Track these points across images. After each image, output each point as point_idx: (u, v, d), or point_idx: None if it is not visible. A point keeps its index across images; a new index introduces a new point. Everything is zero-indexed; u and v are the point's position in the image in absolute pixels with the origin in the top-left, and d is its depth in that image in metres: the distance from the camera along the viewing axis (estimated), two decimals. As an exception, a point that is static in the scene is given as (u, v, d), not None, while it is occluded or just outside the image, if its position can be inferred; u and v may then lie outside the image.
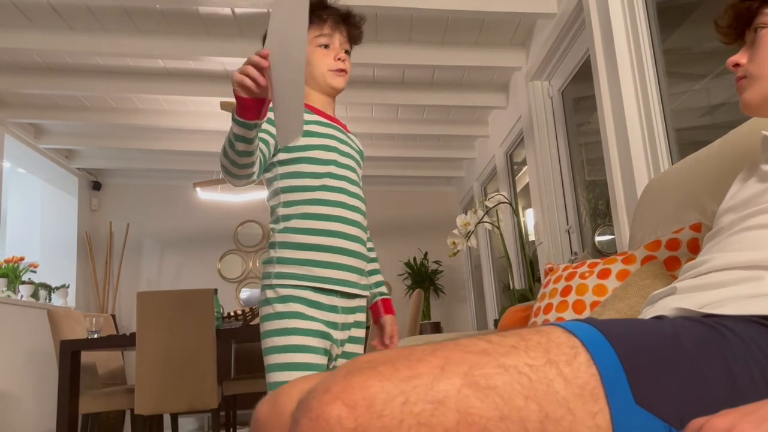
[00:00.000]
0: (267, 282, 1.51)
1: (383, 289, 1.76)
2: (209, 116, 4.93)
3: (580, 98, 3.63)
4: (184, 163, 5.95)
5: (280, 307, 1.46)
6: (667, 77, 2.51)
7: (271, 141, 1.50)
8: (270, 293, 1.49)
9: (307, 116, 1.57)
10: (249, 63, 1.19)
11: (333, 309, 1.51)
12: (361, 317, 1.62)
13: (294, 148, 1.54)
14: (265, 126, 1.49)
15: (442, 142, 5.74)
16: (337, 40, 1.61)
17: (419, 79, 4.47)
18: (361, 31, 1.67)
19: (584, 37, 3.13)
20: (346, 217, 1.55)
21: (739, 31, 1.07)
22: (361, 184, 1.66)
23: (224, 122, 4.90)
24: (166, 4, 3.26)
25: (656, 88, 2.50)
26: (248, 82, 1.18)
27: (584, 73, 3.34)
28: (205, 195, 4.79)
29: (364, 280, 1.61)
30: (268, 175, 1.58)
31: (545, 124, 3.85)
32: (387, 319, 1.72)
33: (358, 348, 1.62)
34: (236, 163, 1.35)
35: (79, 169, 6.00)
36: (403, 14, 3.47)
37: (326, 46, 1.60)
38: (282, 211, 1.54)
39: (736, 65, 1.04)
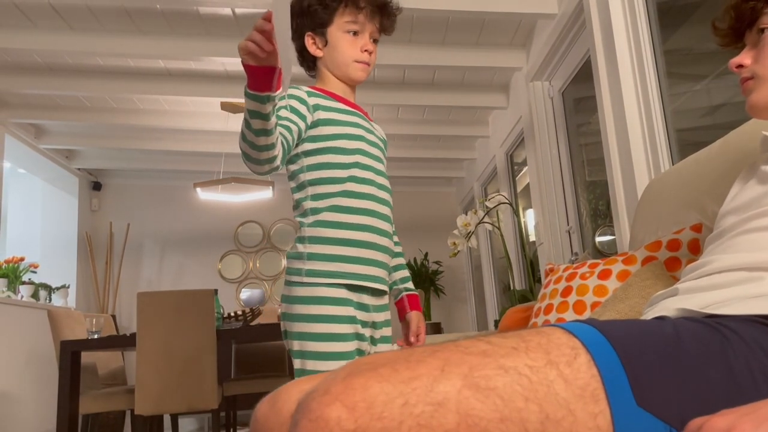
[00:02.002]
0: (297, 279, 1.44)
1: (409, 284, 1.69)
2: (210, 116, 4.93)
3: (580, 99, 3.63)
4: (185, 164, 5.96)
5: (315, 309, 1.41)
6: (667, 78, 2.51)
7: (294, 128, 1.42)
8: (303, 291, 1.43)
9: (330, 103, 1.52)
10: (254, 28, 1.12)
11: (365, 308, 1.48)
12: (389, 315, 1.58)
13: (320, 138, 1.48)
14: (285, 113, 1.42)
15: (443, 142, 5.74)
16: (369, 30, 1.53)
17: (420, 80, 4.47)
18: (395, 20, 1.59)
19: (585, 37, 3.13)
20: (376, 210, 1.50)
21: (740, 33, 1.05)
22: (386, 174, 1.60)
23: (225, 122, 4.90)
24: (166, 4, 3.26)
25: (657, 88, 2.50)
26: (252, 46, 1.11)
27: (585, 74, 3.34)
28: (205, 195, 4.79)
29: (387, 277, 1.56)
30: (293, 167, 1.51)
31: (546, 125, 3.85)
32: (413, 316, 1.64)
33: (389, 347, 1.57)
34: (255, 145, 1.27)
35: (79, 169, 6.00)
36: (403, 14, 3.44)
37: (356, 33, 1.52)
38: (310, 204, 1.48)
39: (740, 66, 1.02)
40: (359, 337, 1.46)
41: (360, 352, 1.46)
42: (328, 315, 1.41)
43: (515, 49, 4.02)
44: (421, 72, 4.32)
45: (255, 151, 1.29)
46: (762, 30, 1.00)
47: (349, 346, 1.42)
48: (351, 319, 1.43)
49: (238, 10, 3.48)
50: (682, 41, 2.58)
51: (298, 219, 1.51)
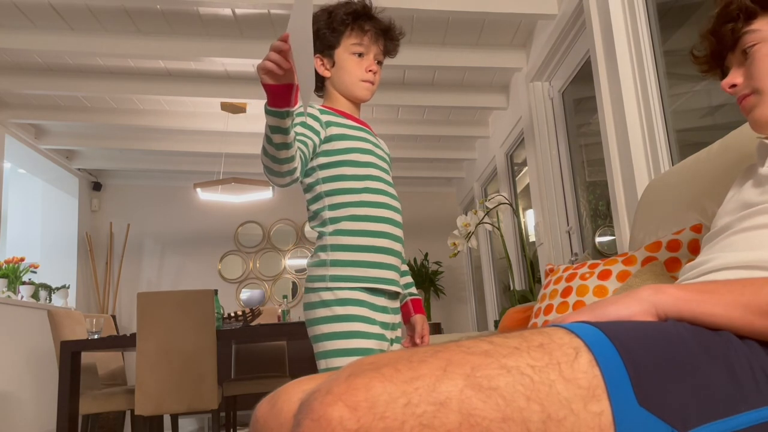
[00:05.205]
0: (321, 285, 1.52)
1: (413, 289, 1.79)
2: (210, 117, 4.94)
3: (580, 99, 3.63)
4: (185, 164, 5.96)
5: (339, 310, 1.49)
6: (667, 78, 2.52)
7: (310, 142, 1.51)
8: (327, 295, 1.51)
9: (339, 119, 1.61)
10: (271, 48, 1.19)
11: (384, 310, 1.55)
12: (400, 317, 1.67)
13: (333, 152, 1.57)
14: (300, 129, 1.51)
15: (443, 142, 5.75)
16: (373, 52, 1.64)
17: (420, 80, 4.47)
18: (398, 44, 1.70)
19: (585, 38, 3.13)
20: (391, 218, 1.60)
21: (721, 57, 1.05)
22: (394, 185, 1.69)
23: (225, 123, 4.91)
24: (166, 4, 3.26)
25: (657, 89, 2.50)
26: (270, 65, 1.19)
27: (585, 74, 3.34)
28: (205, 196, 4.79)
29: (399, 279, 1.65)
30: (309, 180, 1.60)
31: (546, 125, 3.85)
32: (417, 319, 1.74)
33: (399, 348, 1.64)
34: (277, 158, 1.36)
35: (79, 169, 6.00)
36: (403, 15, 3.48)
37: (361, 55, 1.63)
38: (328, 214, 1.56)
39: (733, 86, 1.02)
40: (380, 337, 1.52)
41: (382, 353, 1.50)
42: (350, 315, 1.49)
43: (515, 49, 4.02)
44: (421, 72, 4.32)
45: (277, 165, 1.38)
46: (746, 50, 1.00)
47: (371, 343, 1.49)
48: (370, 320, 1.51)
49: (238, 11, 3.49)
50: (682, 41, 2.58)
51: (318, 229, 1.59)
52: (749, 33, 0.99)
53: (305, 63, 1.14)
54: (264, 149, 1.36)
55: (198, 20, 3.58)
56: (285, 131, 1.30)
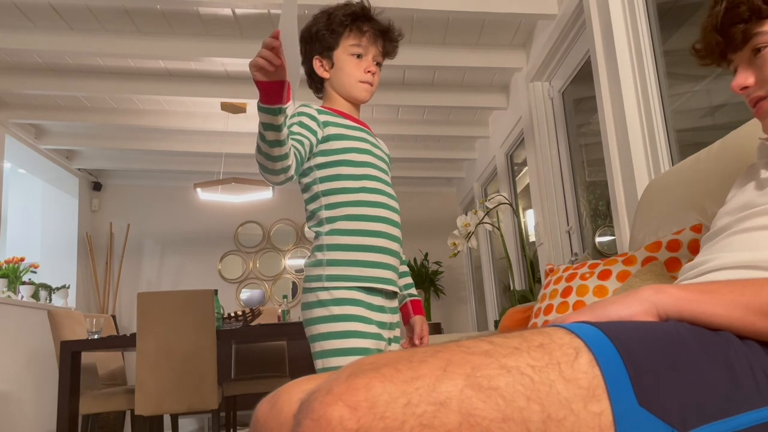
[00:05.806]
0: (318, 284, 1.53)
1: (413, 290, 1.80)
2: (210, 117, 4.93)
3: (580, 99, 3.63)
4: (185, 164, 5.96)
5: (336, 310, 1.49)
6: (667, 78, 2.52)
7: (306, 141, 1.52)
8: (324, 295, 1.51)
9: (338, 119, 1.62)
10: (263, 45, 1.20)
11: (381, 309, 1.56)
12: (399, 317, 1.67)
13: (330, 151, 1.58)
14: (297, 129, 1.51)
15: (443, 142, 5.74)
16: (372, 53, 1.65)
17: (420, 80, 4.47)
18: (396, 45, 1.70)
19: (585, 38, 3.13)
20: (388, 217, 1.60)
21: (724, 54, 1.03)
22: (392, 185, 1.70)
23: (225, 123, 4.90)
24: (166, 4, 3.26)
25: (657, 89, 2.50)
26: (262, 62, 1.20)
27: (585, 74, 3.34)
28: (205, 196, 4.79)
29: (397, 279, 1.65)
30: (306, 180, 1.60)
31: (546, 125, 3.85)
32: (417, 320, 1.75)
33: (398, 348, 1.65)
34: (270, 155, 1.36)
35: (79, 169, 6.00)
36: (403, 15, 3.48)
37: (359, 56, 1.63)
38: (325, 213, 1.57)
39: (745, 87, 1.00)
40: (377, 336, 1.52)
41: (380, 353, 1.51)
42: (346, 314, 1.49)
43: (515, 49, 4.02)
44: (421, 72, 4.32)
45: (271, 162, 1.38)
46: (759, 50, 0.97)
47: (368, 343, 1.49)
48: (367, 320, 1.51)
49: (238, 11, 3.48)
50: (682, 41, 2.58)
51: (315, 229, 1.59)
52: (762, 34, 0.97)
53: (293, 60, 1.17)
54: (258, 147, 1.37)
55: (198, 20, 3.58)
56: (278, 128, 1.31)
